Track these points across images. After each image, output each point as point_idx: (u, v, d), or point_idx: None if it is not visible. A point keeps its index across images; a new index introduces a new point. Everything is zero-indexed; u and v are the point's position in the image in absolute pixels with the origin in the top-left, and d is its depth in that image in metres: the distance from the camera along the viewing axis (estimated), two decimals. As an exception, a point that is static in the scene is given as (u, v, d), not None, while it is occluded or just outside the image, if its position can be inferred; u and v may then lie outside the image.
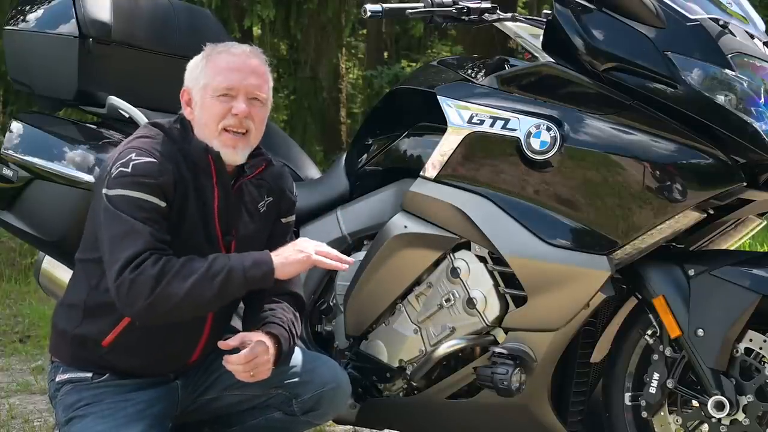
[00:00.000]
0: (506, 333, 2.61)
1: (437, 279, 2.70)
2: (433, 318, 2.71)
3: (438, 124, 2.69)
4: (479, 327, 2.64)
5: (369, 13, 2.69)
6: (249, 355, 2.34)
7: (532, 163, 2.54)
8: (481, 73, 2.79)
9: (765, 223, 2.88)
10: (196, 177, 2.44)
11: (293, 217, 2.68)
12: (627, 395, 2.61)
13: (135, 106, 3.05)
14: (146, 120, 2.98)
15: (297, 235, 2.70)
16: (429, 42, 13.67)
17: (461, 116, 2.65)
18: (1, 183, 3.10)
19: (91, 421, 2.43)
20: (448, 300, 2.67)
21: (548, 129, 2.52)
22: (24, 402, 4.00)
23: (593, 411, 2.72)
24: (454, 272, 2.66)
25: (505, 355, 2.56)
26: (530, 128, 2.54)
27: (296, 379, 2.56)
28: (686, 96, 2.41)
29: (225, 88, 2.43)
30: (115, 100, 3.07)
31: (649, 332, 2.57)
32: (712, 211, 2.53)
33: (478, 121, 2.62)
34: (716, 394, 2.44)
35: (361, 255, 2.84)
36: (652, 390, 2.54)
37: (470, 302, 2.63)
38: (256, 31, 9.41)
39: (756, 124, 2.38)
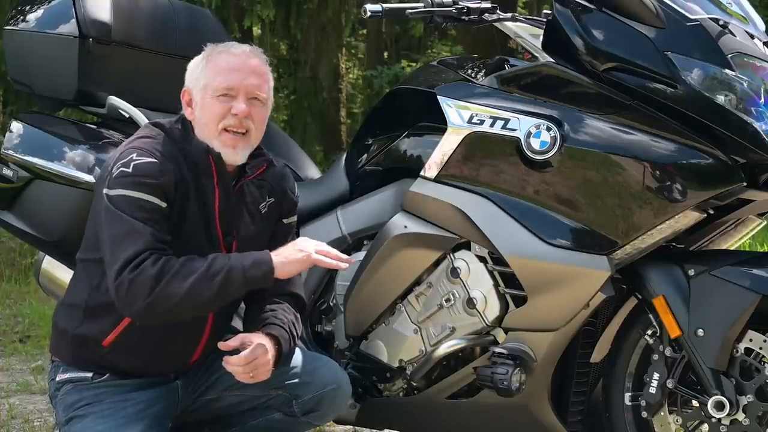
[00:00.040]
0: (506, 333, 2.61)
1: (437, 279, 2.70)
2: (433, 318, 2.71)
3: (438, 124, 2.69)
4: (479, 327, 2.64)
5: (369, 13, 2.69)
6: (249, 356, 2.34)
7: (532, 163, 2.54)
8: (481, 73, 2.79)
9: (765, 223, 2.88)
10: (197, 177, 2.44)
11: (295, 218, 2.68)
12: (627, 395, 2.61)
13: (135, 106, 3.05)
14: (146, 120, 2.98)
15: (297, 236, 2.70)
16: (429, 42, 13.67)
17: (461, 116, 2.65)
18: (1, 183, 3.10)
19: (91, 421, 2.43)
20: (448, 300, 2.67)
21: (548, 129, 2.52)
22: (24, 402, 4.00)
23: (593, 411, 2.72)
24: (454, 272, 2.66)
25: (505, 355, 2.56)
26: (530, 128, 2.54)
27: (297, 380, 2.56)
28: (686, 96, 2.41)
29: (225, 88, 2.43)
30: (115, 100, 3.07)
31: (649, 332, 2.57)
32: (712, 211, 2.53)
33: (478, 121, 2.62)
34: (716, 394, 2.44)
35: (361, 255, 2.84)
36: (652, 390, 2.54)
37: (470, 302, 2.63)
38: (256, 31, 9.41)
39: (756, 124, 2.38)
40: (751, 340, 2.46)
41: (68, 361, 2.51)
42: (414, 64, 11.46)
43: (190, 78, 2.50)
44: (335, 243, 2.87)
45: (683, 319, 2.47)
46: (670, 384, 2.52)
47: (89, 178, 2.93)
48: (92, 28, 3.08)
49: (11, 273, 6.93)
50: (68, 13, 3.09)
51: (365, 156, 2.97)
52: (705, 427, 2.52)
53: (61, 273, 3.19)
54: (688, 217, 2.46)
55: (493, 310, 2.61)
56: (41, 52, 3.17)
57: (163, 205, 2.36)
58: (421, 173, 2.71)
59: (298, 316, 2.56)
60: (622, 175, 2.45)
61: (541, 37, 2.68)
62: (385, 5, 2.70)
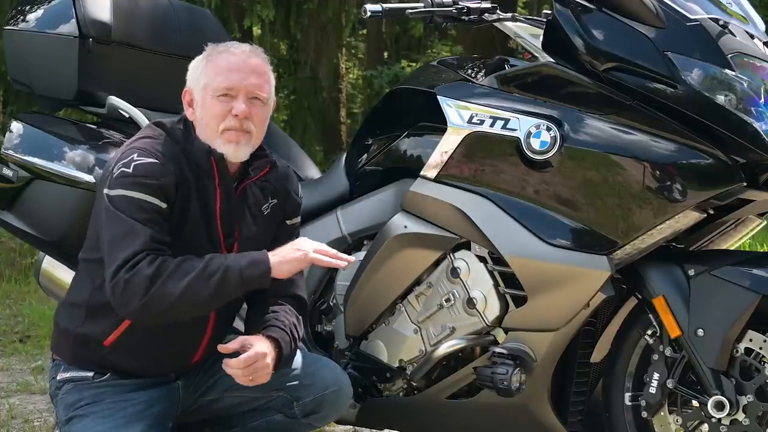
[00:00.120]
0: (506, 333, 2.61)
1: (437, 279, 2.70)
2: (433, 318, 2.71)
3: (438, 124, 2.69)
4: (479, 327, 2.64)
5: (369, 13, 2.69)
6: (248, 359, 2.33)
7: (532, 163, 2.54)
8: (481, 73, 2.79)
9: (765, 223, 2.88)
10: (199, 178, 2.43)
11: (298, 219, 2.67)
12: (627, 395, 2.61)
13: (135, 106, 3.05)
14: (146, 120, 2.99)
15: (297, 236, 2.70)
16: (429, 42, 13.67)
17: (461, 116, 2.65)
18: (1, 183, 3.10)
19: (91, 421, 2.43)
20: (448, 300, 2.67)
21: (548, 129, 2.52)
22: (24, 402, 4.00)
23: (593, 411, 2.72)
24: (454, 272, 2.66)
25: (505, 355, 2.56)
26: (530, 128, 2.54)
27: (297, 382, 2.56)
28: (686, 96, 2.41)
29: (225, 88, 2.42)
30: (115, 100, 3.07)
31: (649, 332, 2.57)
32: (712, 211, 2.53)
33: (478, 121, 2.62)
34: (716, 394, 2.44)
35: (361, 255, 2.84)
36: (652, 390, 2.54)
37: (470, 302, 2.63)
38: (256, 31, 9.41)
39: (756, 124, 2.38)
40: (751, 340, 2.46)
41: (69, 361, 2.51)
42: (414, 64, 11.46)
43: (191, 78, 2.49)
44: (335, 243, 2.87)
45: (683, 319, 2.47)
46: (670, 384, 2.52)
47: (89, 178, 2.93)
48: (92, 28, 3.08)
49: (11, 273, 6.93)
50: (68, 13, 3.09)
51: (365, 156, 2.97)
52: (705, 427, 2.52)
53: (61, 273, 3.19)
54: (688, 217, 2.46)
55: (493, 310, 2.61)
56: (41, 52, 3.17)
57: (164, 205, 2.36)
58: (421, 173, 2.71)
59: (300, 318, 2.55)
60: (622, 175, 2.45)
61: (541, 37, 2.68)
62: (385, 5, 2.70)
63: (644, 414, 2.57)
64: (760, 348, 2.45)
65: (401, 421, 2.89)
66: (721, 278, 2.44)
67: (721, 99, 2.39)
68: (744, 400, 2.44)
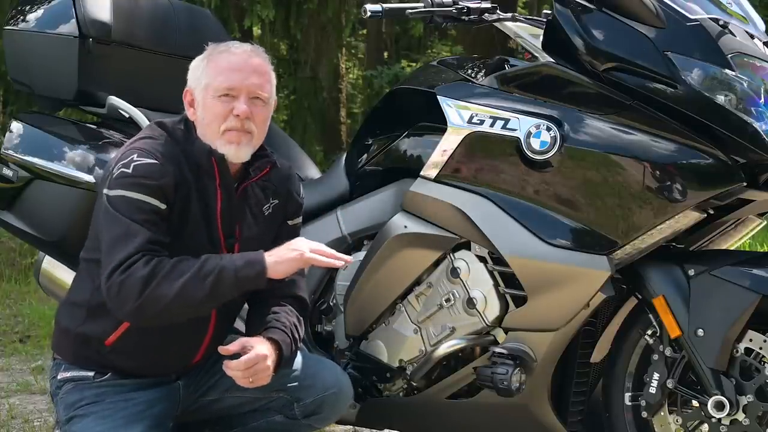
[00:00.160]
0: (506, 333, 2.61)
1: (437, 279, 2.70)
2: (433, 318, 2.71)
3: (438, 124, 2.69)
4: (479, 327, 2.64)
5: (369, 13, 2.69)
6: (249, 361, 2.32)
7: (532, 163, 2.54)
8: (481, 73, 2.79)
9: (765, 223, 2.88)
10: (199, 179, 2.43)
11: (300, 219, 2.67)
12: (627, 395, 2.61)
13: (135, 106, 3.05)
14: (146, 120, 2.99)
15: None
16: (429, 42, 13.67)
17: (461, 116, 2.65)
18: (1, 183, 3.10)
19: (92, 421, 2.43)
20: (448, 300, 2.67)
21: (548, 129, 2.52)
22: (24, 402, 4.00)
23: (593, 411, 2.72)
24: (454, 272, 2.66)
25: (505, 355, 2.56)
26: (530, 128, 2.54)
27: (298, 383, 2.55)
28: (686, 96, 2.41)
29: (226, 89, 2.42)
30: (115, 100, 3.07)
31: (649, 332, 2.57)
32: (712, 211, 2.53)
33: (478, 121, 2.62)
34: (716, 394, 2.44)
35: (361, 255, 2.84)
36: (652, 390, 2.54)
37: (470, 302, 2.63)
38: (256, 31, 9.41)
39: (756, 124, 2.38)
40: (751, 340, 2.46)
41: (70, 360, 2.51)
42: (414, 64, 11.46)
43: (192, 78, 2.49)
44: (335, 243, 2.87)
45: (683, 319, 2.47)
46: (670, 384, 2.52)
47: (89, 178, 2.93)
48: (92, 28, 3.08)
49: (11, 273, 6.93)
50: (68, 13, 3.09)
51: (365, 156, 2.97)
52: (705, 427, 2.52)
53: (61, 273, 3.19)
54: (688, 217, 2.46)
55: (493, 310, 2.61)
56: (41, 52, 3.17)
57: (163, 206, 2.35)
58: (421, 173, 2.71)
59: (301, 319, 2.54)
60: (622, 175, 2.45)
61: (541, 37, 2.68)
62: (385, 5, 2.70)
63: (644, 414, 2.57)
64: (760, 348, 2.45)
65: (401, 421, 2.89)
66: (721, 278, 2.44)
67: (721, 99, 2.39)
68: (744, 400, 2.44)
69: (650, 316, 2.56)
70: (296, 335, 2.48)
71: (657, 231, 2.45)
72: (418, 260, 2.71)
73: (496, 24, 2.84)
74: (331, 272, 2.92)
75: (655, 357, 2.55)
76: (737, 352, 2.46)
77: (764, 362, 2.46)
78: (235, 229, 2.48)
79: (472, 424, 2.76)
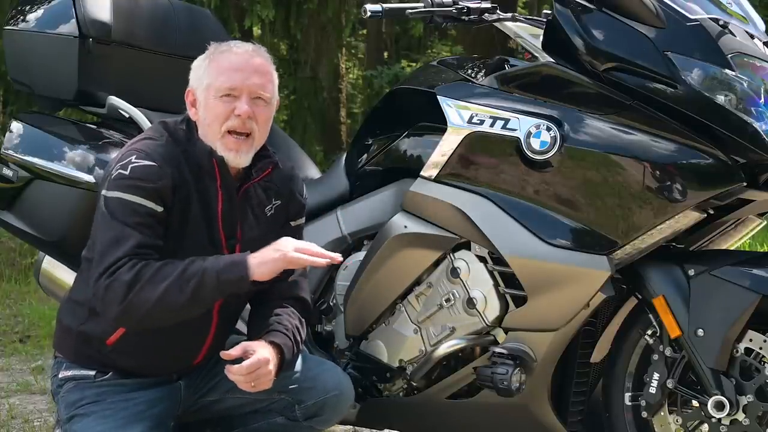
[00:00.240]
0: (506, 333, 2.61)
1: (437, 279, 2.70)
2: (433, 318, 2.71)
3: (438, 124, 2.69)
4: (479, 327, 2.64)
5: (369, 13, 2.69)
6: (251, 366, 2.31)
7: (532, 163, 2.54)
8: (481, 73, 2.79)
9: (765, 223, 2.88)
10: (200, 180, 2.42)
11: (303, 220, 2.66)
12: (627, 395, 2.61)
13: (135, 106, 3.05)
14: (146, 120, 2.99)
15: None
16: (429, 42, 13.67)
17: (461, 116, 2.65)
18: (1, 183, 3.10)
19: (92, 420, 2.43)
20: (448, 300, 2.67)
21: (548, 129, 2.52)
22: (24, 402, 4.00)
23: (593, 411, 2.72)
24: (454, 272, 2.66)
25: (505, 355, 2.56)
26: (530, 128, 2.54)
27: (299, 385, 2.55)
28: (686, 96, 2.41)
29: (228, 89, 2.41)
30: (115, 100, 3.07)
31: (649, 332, 2.57)
32: (712, 211, 2.53)
33: (478, 121, 2.62)
34: (716, 394, 2.44)
35: (361, 255, 2.84)
36: (652, 390, 2.54)
37: (470, 302, 2.63)
38: (256, 31, 9.41)
39: (756, 124, 2.38)
40: (751, 340, 2.46)
41: (71, 358, 2.51)
42: (414, 64, 11.46)
43: (194, 78, 2.48)
44: (335, 243, 2.88)
45: (683, 319, 2.47)
46: (670, 384, 2.52)
47: (89, 178, 2.93)
48: (92, 28, 3.08)
49: (11, 273, 6.94)
50: (68, 13, 3.09)
51: (365, 156, 2.97)
52: (705, 427, 2.52)
53: (61, 273, 3.19)
54: (688, 217, 2.46)
55: (493, 310, 2.61)
56: (41, 52, 3.17)
57: (159, 209, 2.34)
58: (421, 173, 2.71)
59: (303, 320, 2.54)
60: (622, 175, 2.45)
61: (541, 37, 2.68)
62: (385, 5, 2.70)
63: (644, 414, 2.57)
64: (760, 348, 2.45)
65: (401, 421, 2.89)
66: (721, 278, 2.44)
67: (721, 99, 2.39)
68: (744, 400, 2.44)
69: (650, 316, 2.56)
70: (298, 338, 2.47)
71: (657, 231, 2.45)
72: (418, 260, 2.71)
73: (496, 24, 2.84)
74: (331, 272, 2.93)
75: (655, 357, 2.55)
76: (737, 352, 2.46)
77: (764, 362, 2.46)
78: (236, 230, 2.47)
79: (472, 424, 2.76)
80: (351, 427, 3.28)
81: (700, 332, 2.45)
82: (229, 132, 2.42)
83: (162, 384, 2.52)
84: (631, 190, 2.44)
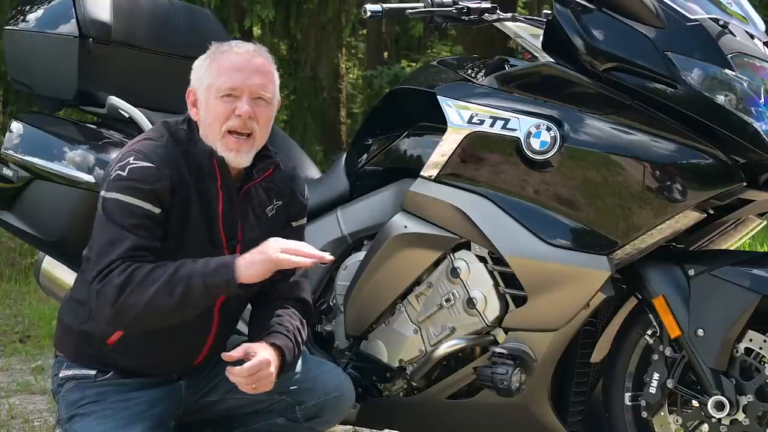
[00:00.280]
0: (506, 333, 2.61)
1: (437, 279, 2.70)
2: (433, 318, 2.71)
3: (438, 124, 2.69)
4: (479, 327, 2.64)
5: (369, 13, 2.69)
6: (252, 368, 2.31)
7: (532, 163, 2.54)
8: (481, 73, 2.79)
9: (765, 223, 2.88)
10: (200, 180, 2.42)
11: (304, 220, 2.65)
12: (627, 395, 2.61)
13: (135, 106, 3.05)
14: (146, 120, 2.99)
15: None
16: (429, 42, 13.67)
17: (461, 116, 2.65)
18: (1, 183, 3.10)
19: (92, 420, 2.43)
20: (448, 300, 2.67)
21: (548, 129, 2.52)
22: (24, 402, 4.00)
23: (593, 411, 2.72)
24: (454, 272, 2.66)
25: (505, 355, 2.56)
26: (530, 128, 2.54)
27: (300, 386, 2.55)
28: (686, 96, 2.41)
29: (228, 89, 2.40)
30: (115, 100, 3.07)
31: (649, 332, 2.57)
32: (712, 211, 2.53)
33: (478, 121, 2.62)
34: (716, 394, 2.44)
35: (361, 255, 2.84)
36: (652, 390, 2.54)
37: (470, 302, 2.63)
38: (256, 31, 9.41)
39: (756, 124, 2.38)
40: (751, 340, 2.46)
41: (72, 357, 2.51)
42: (414, 64, 11.47)
43: (195, 78, 2.47)
44: (335, 243, 2.88)
45: (683, 319, 2.47)
46: (670, 384, 2.52)
47: (89, 178, 2.93)
48: (92, 28, 3.08)
49: (11, 273, 6.94)
50: (68, 13, 3.10)
51: (365, 156, 2.97)
52: (705, 427, 2.52)
53: (61, 273, 3.19)
54: (688, 217, 2.46)
55: (493, 310, 2.61)
56: (41, 52, 3.17)
57: (157, 210, 2.34)
58: (421, 173, 2.71)
59: (304, 321, 2.53)
60: (622, 175, 2.45)
61: (541, 37, 2.68)
62: (385, 5, 2.70)
63: (644, 414, 2.57)
64: (760, 348, 2.45)
65: (401, 421, 2.89)
66: (721, 278, 2.44)
67: (721, 99, 2.39)
68: (744, 400, 2.44)
69: (650, 316, 2.56)
70: (299, 339, 2.47)
71: (657, 231, 2.45)
72: (418, 260, 2.71)
73: (496, 24, 2.84)
74: (331, 272, 2.93)
75: (655, 357, 2.55)
76: (737, 352, 2.46)
77: (764, 362, 2.46)
78: (237, 231, 2.47)
79: (472, 424, 2.76)
80: (351, 427, 3.28)
81: (700, 332, 2.45)
82: (230, 132, 2.41)
83: (163, 384, 2.52)
84: (631, 190, 2.44)
